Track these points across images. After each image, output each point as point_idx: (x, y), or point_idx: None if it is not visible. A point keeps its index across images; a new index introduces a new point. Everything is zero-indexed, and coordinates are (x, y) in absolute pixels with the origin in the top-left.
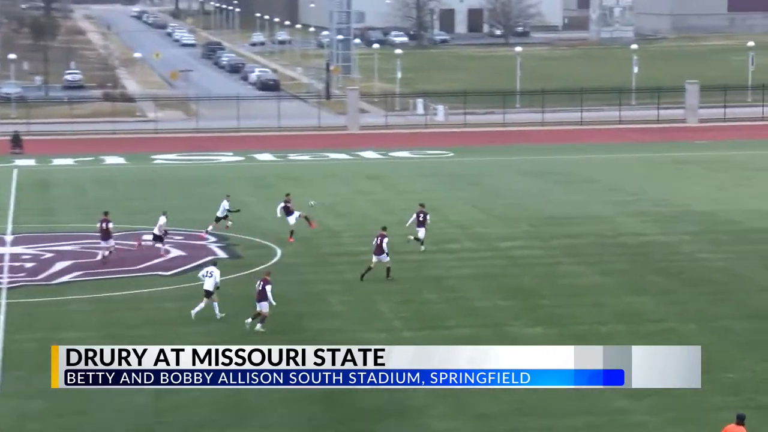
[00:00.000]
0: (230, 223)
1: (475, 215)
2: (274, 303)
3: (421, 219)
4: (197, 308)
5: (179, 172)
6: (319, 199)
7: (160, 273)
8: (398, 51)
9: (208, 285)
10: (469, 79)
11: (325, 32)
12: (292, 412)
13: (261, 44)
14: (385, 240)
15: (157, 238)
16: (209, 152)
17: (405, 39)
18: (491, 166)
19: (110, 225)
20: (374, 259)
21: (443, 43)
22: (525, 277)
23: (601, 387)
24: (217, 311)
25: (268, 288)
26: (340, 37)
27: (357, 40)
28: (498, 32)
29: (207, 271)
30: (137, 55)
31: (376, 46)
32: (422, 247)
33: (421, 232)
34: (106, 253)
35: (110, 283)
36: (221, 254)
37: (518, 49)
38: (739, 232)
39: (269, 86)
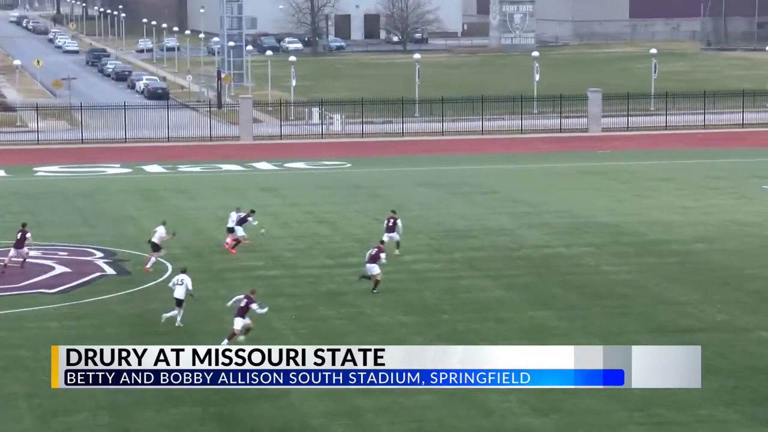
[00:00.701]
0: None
1: (374, 228)
2: (259, 311)
3: (390, 224)
4: (169, 314)
5: (63, 184)
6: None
7: (43, 291)
8: (292, 58)
9: (179, 293)
10: (367, 87)
11: (216, 38)
12: None
13: (148, 51)
14: (382, 254)
15: (155, 247)
16: (95, 164)
17: (299, 46)
18: (390, 177)
19: (28, 235)
20: (367, 268)
21: (339, 50)
22: (426, 291)
23: (508, 402)
24: (178, 319)
25: (254, 306)
26: (232, 43)
27: (249, 47)
28: (395, 39)
29: (178, 279)
30: (17, 62)
31: (269, 53)
32: (396, 251)
33: (390, 237)
34: (6, 261)
35: None
36: (109, 270)
37: (417, 56)
38: (642, 244)
39: (158, 95)
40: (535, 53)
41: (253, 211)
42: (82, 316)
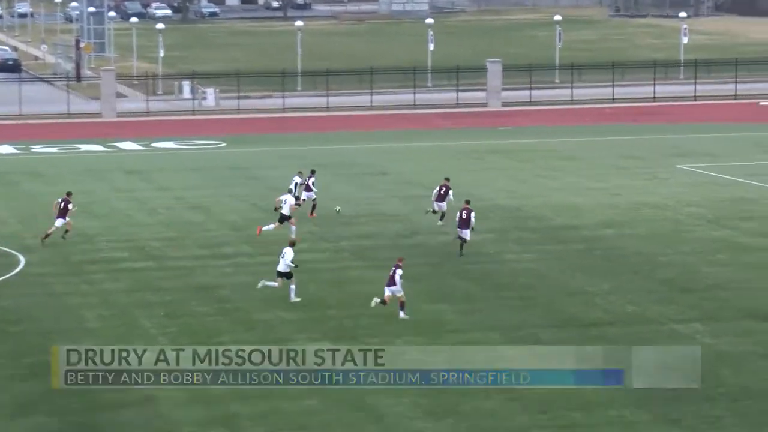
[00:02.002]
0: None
1: (252, 214)
2: (401, 290)
3: (442, 192)
4: (269, 283)
5: None
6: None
7: None
8: (160, 26)
9: (281, 266)
10: (244, 58)
11: (74, 3)
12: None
13: None
14: (472, 213)
15: (284, 218)
16: None
17: (168, 12)
18: (270, 157)
19: (70, 206)
20: (458, 232)
21: (212, 17)
22: (310, 284)
23: (400, 406)
24: (292, 295)
25: (399, 272)
26: (92, 9)
27: (112, 13)
28: (275, 4)
29: (282, 252)
30: None
31: (134, 20)
32: (440, 222)
33: (438, 206)
34: (50, 230)
35: None
36: None
37: (299, 23)
38: (546, 229)
39: (8, 67)
40: (429, 20)
41: (313, 171)
42: None
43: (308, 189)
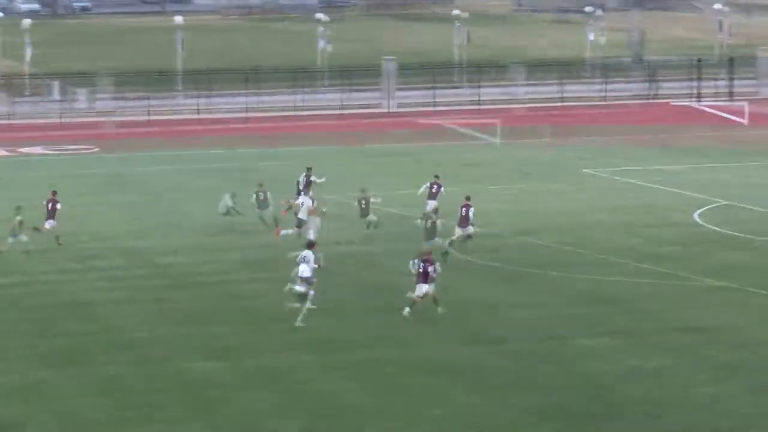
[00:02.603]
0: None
1: (127, 225)
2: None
3: (433, 190)
4: (307, 305)
5: None
6: None
7: None
8: (27, 21)
9: (305, 272)
10: (119, 56)
11: None
12: None
13: None
14: (471, 210)
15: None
16: None
17: (35, 6)
18: (147, 163)
19: (58, 206)
20: (458, 231)
21: (84, 12)
22: (195, 300)
23: None
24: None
25: (431, 268)
26: None
27: None
28: None
29: (302, 256)
30: None
31: None
32: (438, 220)
33: (431, 204)
34: (56, 233)
35: None
36: None
37: (178, 18)
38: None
39: None
40: (320, 15)
41: (309, 169)
42: None
43: (306, 186)
